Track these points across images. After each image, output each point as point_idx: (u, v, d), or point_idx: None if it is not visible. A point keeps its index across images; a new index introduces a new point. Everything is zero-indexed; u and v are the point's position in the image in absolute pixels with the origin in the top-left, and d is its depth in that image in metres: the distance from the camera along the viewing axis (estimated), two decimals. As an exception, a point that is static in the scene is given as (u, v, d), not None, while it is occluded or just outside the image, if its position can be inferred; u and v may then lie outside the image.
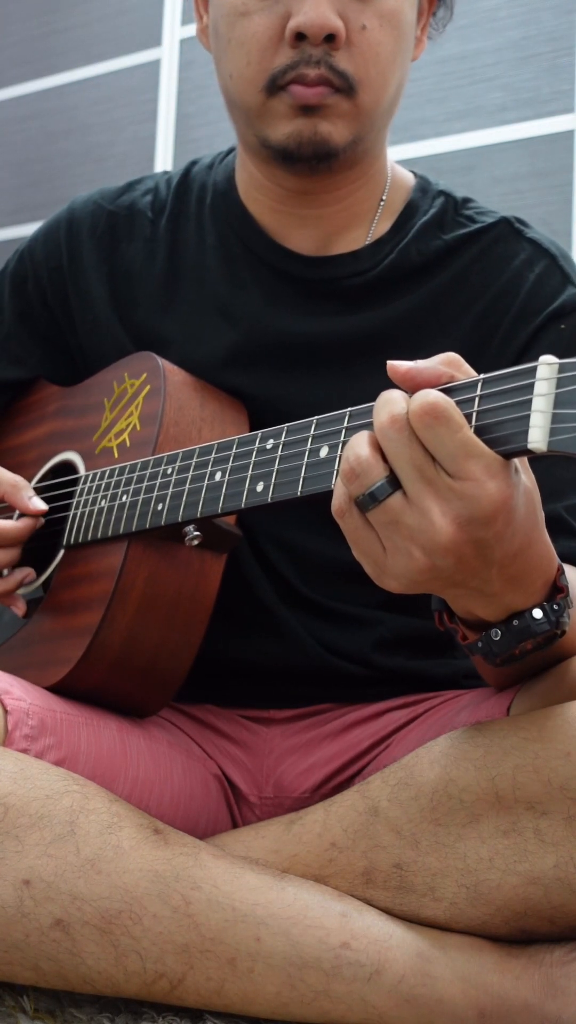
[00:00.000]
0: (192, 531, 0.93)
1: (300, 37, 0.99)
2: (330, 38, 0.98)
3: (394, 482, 0.72)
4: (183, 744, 1.07)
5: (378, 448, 0.73)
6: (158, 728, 1.06)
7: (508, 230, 1.11)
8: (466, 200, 1.15)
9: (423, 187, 1.15)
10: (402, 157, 2.33)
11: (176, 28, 2.85)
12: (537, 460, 0.73)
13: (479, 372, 0.73)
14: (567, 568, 0.92)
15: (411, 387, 0.73)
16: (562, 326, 1.06)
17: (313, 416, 0.83)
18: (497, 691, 0.94)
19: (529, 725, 0.83)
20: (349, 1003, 0.80)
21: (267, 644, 1.08)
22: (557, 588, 0.80)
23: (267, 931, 0.80)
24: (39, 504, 1.06)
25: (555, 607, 0.79)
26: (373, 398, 0.75)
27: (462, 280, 1.09)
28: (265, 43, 1.01)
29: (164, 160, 2.81)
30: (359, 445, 0.73)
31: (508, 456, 0.70)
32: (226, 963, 0.80)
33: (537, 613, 0.78)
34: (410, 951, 0.82)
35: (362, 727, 1.08)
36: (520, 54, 2.32)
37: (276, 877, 0.84)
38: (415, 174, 1.17)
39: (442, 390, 0.72)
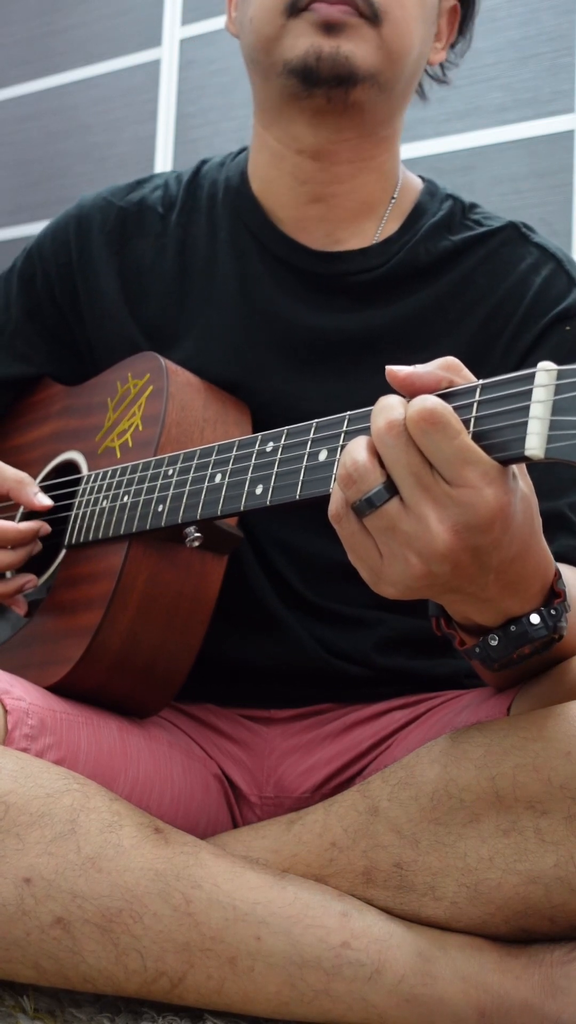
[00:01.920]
0: (193, 532, 0.93)
1: None
2: None
3: (391, 488, 0.72)
4: (183, 744, 1.07)
5: (376, 454, 0.73)
6: (158, 728, 1.06)
7: (515, 234, 1.13)
8: (473, 205, 1.16)
9: (431, 191, 1.17)
10: (402, 157, 2.32)
11: (176, 28, 2.85)
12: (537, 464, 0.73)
13: (485, 373, 0.73)
14: (568, 569, 0.92)
15: (410, 392, 0.73)
16: (567, 328, 1.07)
17: (319, 413, 0.83)
18: (497, 691, 0.94)
19: (529, 725, 0.83)
20: (349, 1002, 0.80)
21: (268, 645, 1.08)
22: (555, 593, 0.80)
23: (267, 930, 0.80)
24: (44, 500, 1.06)
25: (552, 612, 0.79)
26: (379, 396, 0.75)
27: (469, 281, 1.10)
28: None
29: (164, 160, 2.81)
30: (357, 450, 0.73)
31: (505, 463, 0.70)
32: (226, 962, 0.80)
33: (535, 618, 0.78)
34: (410, 951, 0.82)
35: (363, 727, 1.08)
36: (520, 54, 2.32)
37: (276, 876, 0.84)
38: (422, 178, 1.19)
39: (441, 395, 0.72)
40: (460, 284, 1.10)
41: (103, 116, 2.97)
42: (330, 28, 1.01)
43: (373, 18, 1.01)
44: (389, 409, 0.72)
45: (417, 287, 1.10)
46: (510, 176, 2.28)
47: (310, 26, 1.01)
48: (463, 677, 1.11)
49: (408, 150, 2.36)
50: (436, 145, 2.37)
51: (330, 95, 1.04)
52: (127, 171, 2.76)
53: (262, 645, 1.09)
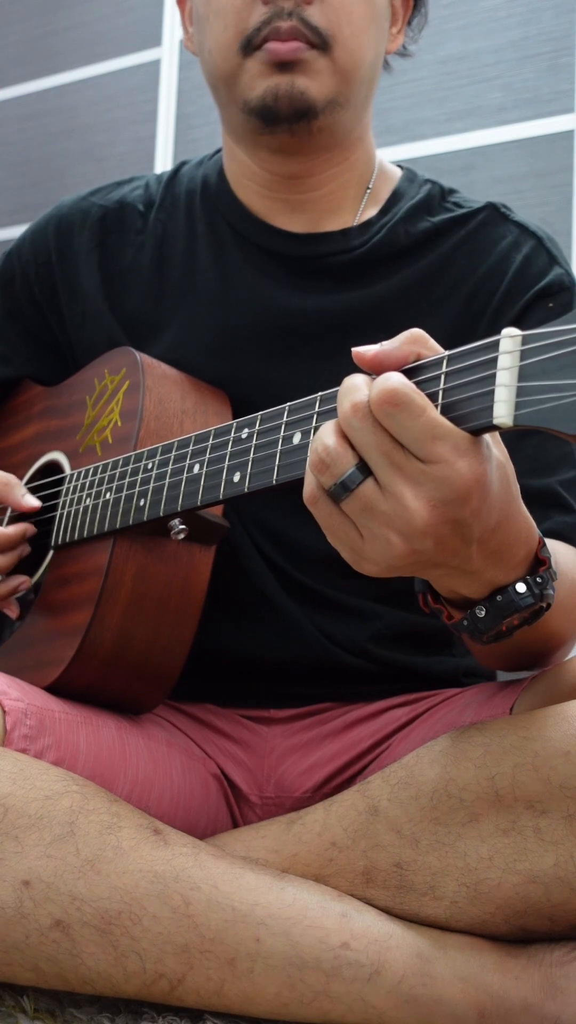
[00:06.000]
0: (177, 525, 0.93)
1: None
2: None
3: (364, 469, 0.71)
4: (182, 744, 1.07)
5: (345, 436, 0.72)
6: (157, 727, 1.06)
7: (494, 214, 1.13)
8: (452, 190, 1.17)
9: (410, 177, 1.18)
10: (402, 157, 2.33)
11: (176, 28, 2.85)
12: (524, 435, 0.73)
13: None
14: (560, 545, 0.92)
15: (380, 371, 0.72)
16: (550, 304, 1.07)
17: (301, 397, 0.82)
18: (488, 667, 0.94)
19: (529, 724, 0.83)
20: (349, 1003, 0.80)
21: (268, 635, 1.09)
22: (539, 560, 0.80)
23: (267, 931, 0.80)
24: (32, 501, 1.06)
25: (538, 580, 0.79)
26: None
27: (450, 261, 1.11)
28: (240, 6, 1.03)
29: (164, 160, 2.81)
30: (326, 435, 0.72)
31: (476, 432, 0.69)
32: (226, 963, 0.80)
33: (520, 587, 0.78)
34: (410, 951, 0.82)
35: (363, 725, 1.08)
36: (520, 54, 2.32)
37: (276, 877, 0.84)
38: (401, 167, 1.20)
39: (408, 370, 0.71)
40: (441, 264, 1.11)
41: (103, 116, 2.97)
42: (283, 66, 1.02)
43: (323, 46, 1.03)
44: (354, 391, 0.71)
45: (397, 268, 1.11)
46: (510, 176, 2.27)
47: (264, 66, 1.03)
48: (461, 675, 1.11)
49: (408, 150, 2.36)
50: (436, 145, 2.37)
51: (293, 129, 1.06)
52: (127, 171, 2.75)
53: (263, 636, 1.09)
